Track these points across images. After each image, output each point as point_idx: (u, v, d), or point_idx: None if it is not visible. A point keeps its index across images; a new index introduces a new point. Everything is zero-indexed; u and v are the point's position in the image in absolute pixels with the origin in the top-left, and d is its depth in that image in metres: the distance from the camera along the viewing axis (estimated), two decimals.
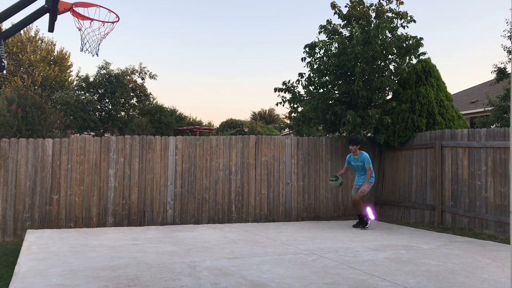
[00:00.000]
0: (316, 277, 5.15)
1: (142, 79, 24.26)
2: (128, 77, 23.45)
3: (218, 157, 9.86)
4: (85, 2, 5.96)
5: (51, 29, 5.88)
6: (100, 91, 22.82)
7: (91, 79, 22.72)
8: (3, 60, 5.36)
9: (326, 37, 10.99)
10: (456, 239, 7.77)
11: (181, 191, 9.58)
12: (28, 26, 22.13)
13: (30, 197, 8.67)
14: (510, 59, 14.06)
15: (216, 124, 37.05)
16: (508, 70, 13.95)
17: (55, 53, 26.37)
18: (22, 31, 23.66)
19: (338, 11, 11.01)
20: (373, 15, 10.94)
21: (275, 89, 11.30)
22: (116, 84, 22.39)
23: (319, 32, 10.94)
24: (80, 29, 6.12)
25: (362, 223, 9.01)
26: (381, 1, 10.88)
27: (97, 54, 6.34)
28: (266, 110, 46.78)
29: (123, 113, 23.35)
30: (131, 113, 23.59)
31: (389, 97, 11.08)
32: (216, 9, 66.33)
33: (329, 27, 10.91)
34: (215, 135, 18.00)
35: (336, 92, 10.94)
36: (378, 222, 10.04)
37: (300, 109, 11.45)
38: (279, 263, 5.84)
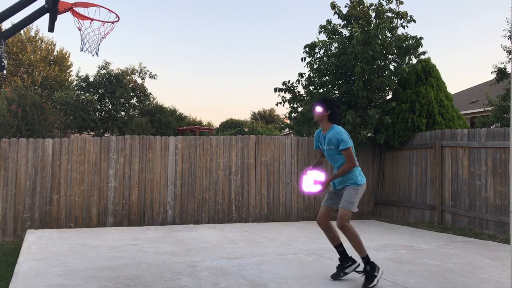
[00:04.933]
0: (316, 277, 5.15)
1: (142, 79, 24.28)
2: (128, 77, 23.46)
3: (218, 157, 9.85)
4: (85, 2, 5.96)
5: (51, 29, 5.88)
6: (100, 91, 22.84)
7: (91, 79, 22.75)
8: (3, 60, 5.36)
9: (326, 37, 10.99)
10: (456, 239, 7.77)
11: (181, 191, 9.57)
12: (28, 26, 22.13)
13: (30, 197, 8.66)
14: (510, 59, 14.06)
15: (216, 124, 37.03)
16: (508, 70, 13.95)
17: (55, 53, 26.38)
18: (22, 31, 23.66)
19: (338, 11, 11.01)
20: (373, 15, 10.94)
21: (275, 89, 11.30)
22: (116, 84, 22.40)
23: (319, 32, 10.95)
24: (80, 29, 6.12)
25: (367, 278, 4.73)
26: (381, 1, 10.89)
27: (97, 54, 6.34)
28: (266, 110, 46.75)
29: (123, 113, 23.37)
30: (131, 113, 23.61)
31: (389, 97, 11.08)
32: (216, 9, 66.33)
33: (329, 27, 10.92)
34: (215, 135, 18.01)
35: (336, 92, 10.93)
36: (379, 222, 10.04)
37: (300, 109, 11.45)
38: (279, 263, 5.83)
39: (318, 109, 4.98)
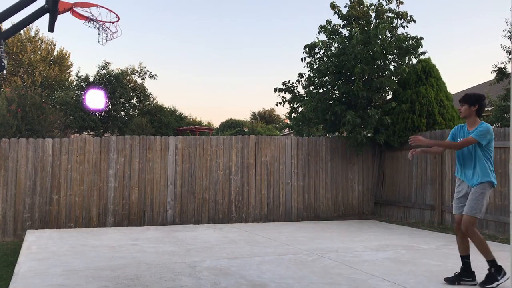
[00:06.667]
0: (316, 277, 5.15)
1: (142, 79, 24.25)
2: (128, 77, 23.45)
3: (218, 157, 9.85)
4: (85, 2, 5.97)
5: (51, 29, 5.89)
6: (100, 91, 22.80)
7: (91, 79, 22.73)
8: (3, 60, 5.37)
9: (326, 37, 11.00)
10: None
11: (181, 191, 9.57)
12: (28, 26, 22.13)
13: (30, 197, 8.66)
14: (510, 59, 14.07)
15: (216, 124, 36.99)
16: (508, 70, 13.95)
17: (55, 53, 26.39)
18: (22, 31, 23.68)
19: (338, 11, 11.02)
20: (373, 15, 10.94)
21: (275, 89, 11.30)
22: (116, 84, 22.38)
23: (319, 32, 10.96)
24: (88, 20, 6.13)
25: (488, 278, 4.81)
26: (381, 1, 10.89)
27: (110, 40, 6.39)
28: (266, 110, 46.74)
29: (123, 113, 23.36)
30: (131, 113, 23.60)
31: (389, 97, 11.08)
32: (216, 9, 66.31)
33: (329, 27, 10.92)
34: (215, 135, 18.01)
35: (336, 92, 10.94)
36: (379, 222, 10.05)
37: (300, 109, 11.45)
38: (279, 263, 5.84)
39: (466, 107, 4.94)
